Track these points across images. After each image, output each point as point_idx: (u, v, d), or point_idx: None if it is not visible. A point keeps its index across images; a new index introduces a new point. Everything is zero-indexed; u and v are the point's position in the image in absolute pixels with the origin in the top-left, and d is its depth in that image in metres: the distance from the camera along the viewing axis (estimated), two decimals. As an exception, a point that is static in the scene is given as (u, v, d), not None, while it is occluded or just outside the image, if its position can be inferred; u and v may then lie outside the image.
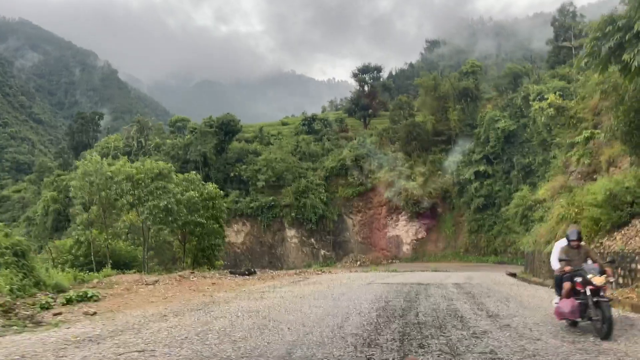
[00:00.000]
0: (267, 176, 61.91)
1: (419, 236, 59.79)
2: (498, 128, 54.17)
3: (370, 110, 78.35)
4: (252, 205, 60.35)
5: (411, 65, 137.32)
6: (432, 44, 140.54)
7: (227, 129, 66.74)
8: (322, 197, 60.60)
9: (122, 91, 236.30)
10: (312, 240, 60.83)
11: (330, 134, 75.16)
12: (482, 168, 55.25)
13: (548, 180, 34.75)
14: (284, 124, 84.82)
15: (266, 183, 61.90)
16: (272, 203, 60.55)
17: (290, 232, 60.78)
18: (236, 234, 61.22)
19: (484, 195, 54.32)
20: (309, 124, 76.78)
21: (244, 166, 63.86)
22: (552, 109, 33.29)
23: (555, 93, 37.54)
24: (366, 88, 78.80)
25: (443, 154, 60.44)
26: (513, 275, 29.86)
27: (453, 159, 59.00)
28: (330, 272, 34.35)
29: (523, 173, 52.80)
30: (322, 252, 60.94)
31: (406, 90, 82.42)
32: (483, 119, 56.76)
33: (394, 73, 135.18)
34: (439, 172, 59.44)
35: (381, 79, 78.01)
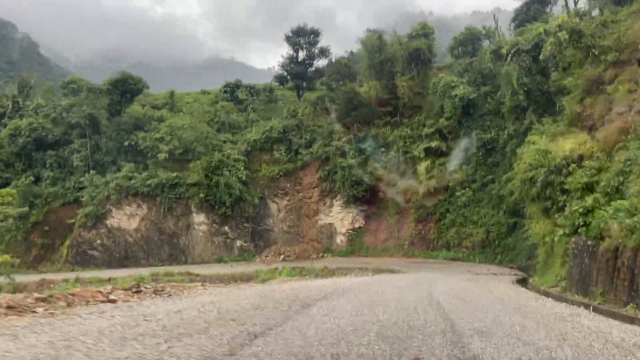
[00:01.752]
0: (171, 147, 49.48)
1: (356, 225, 49.47)
2: (455, 96, 44.63)
3: (305, 83, 67.35)
4: (149, 182, 47.74)
5: (352, 53, 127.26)
6: (374, 33, 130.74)
7: (123, 88, 53.50)
8: (240, 176, 48.96)
9: (43, 67, 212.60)
10: (226, 228, 49.10)
11: (257, 104, 63.43)
12: (434, 144, 45.60)
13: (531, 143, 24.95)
14: (204, 92, 72.07)
15: (170, 155, 49.45)
16: (176, 180, 48.23)
17: (198, 218, 48.73)
18: (128, 219, 48.42)
19: (435, 177, 44.63)
20: (232, 92, 64.67)
21: (142, 134, 50.93)
22: (563, 33, 23.24)
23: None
24: (301, 54, 67.60)
25: (388, 127, 50.30)
26: (522, 283, 20.05)
27: (400, 133, 48.99)
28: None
29: (484, 151, 43.53)
30: (238, 243, 49.35)
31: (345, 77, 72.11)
32: (437, 85, 47.07)
33: (333, 60, 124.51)
34: (383, 149, 49.27)
35: (319, 45, 66.86)
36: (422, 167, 45.22)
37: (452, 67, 50.50)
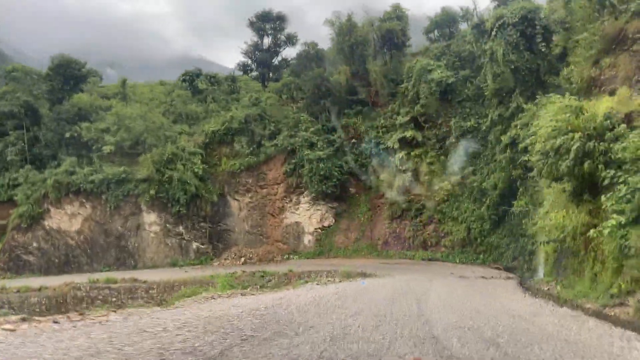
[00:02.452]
0: (118, 138, 44.32)
1: (326, 224, 45.21)
2: (432, 80, 40.72)
3: (270, 73, 62.78)
4: (93, 178, 42.54)
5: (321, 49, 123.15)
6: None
7: (66, 73, 48.05)
8: (196, 170, 44.15)
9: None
10: (181, 228, 44.23)
11: (218, 93, 58.44)
12: (409, 134, 41.64)
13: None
14: (162, 84, 66.59)
15: (117, 148, 44.31)
16: (124, 176, 43.12)
17: (149, 217, 43.73)
18: (69, 219, 43.10)
19: (410, 170, 40.69)
20: (191, 81, 59.48)
21: (86, 124, 45.58)
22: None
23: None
24: (266, 41, 62.99)
25: (359, 116, 46.16)
26: (529, 290, 15.94)
27: (372, 123, 44.93)
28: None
29: (464, 140, 39.68)
30: (195, 245, 44.52)
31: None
32: (412, 70, 43.10)
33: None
34: (354, 140, 45.12)
35: (285, 31, 62.35)
36: (395, 158, 41.20)
37: (427, 52, 46.63)
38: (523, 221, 31.26)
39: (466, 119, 40.01)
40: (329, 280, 22.97)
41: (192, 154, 45.20)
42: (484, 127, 37.25)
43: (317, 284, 19.07)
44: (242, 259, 42.34)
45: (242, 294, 16.53)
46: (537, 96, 27.60)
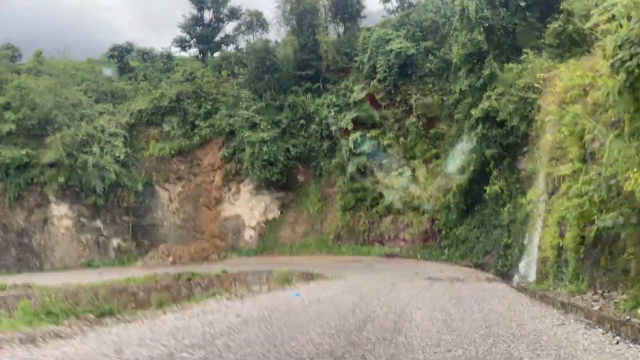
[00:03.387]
0: (20, 116, 37.11)
1: (270, 216, 39.58)
2: (390, 52, 35.69)
3: (210, 52, 56.22)
4: (-13, 162, 35.25)
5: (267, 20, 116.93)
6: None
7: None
8: (117, 155, 37.51)
9: None
10: (98, 223, 37.58)
11: (151, 71, 51.61)
12: (364, 113, 36.48)
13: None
14: (90, 62, 58.84)
15: (19, 128, 37.11)
16: (28, 160, 36.05)
17: (59, 210, 36.83)
18: (-42, 212, 35.64)
19: (366, 154, 35.53)
20: (120, 57, 52.33)
21: (-19, 99, 38.10)
22: None
23: None
24: (207, 14, 56.41)
25: (309, 94, 40.65)
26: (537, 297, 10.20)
27: (323, 101, 39.53)
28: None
29: (424, 120, 34.84)
30: (115, 242, 37.96)
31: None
32: (367, 40, 37.99)
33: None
34: (302, 121, 39.62)
35: (228, 4, 55.89)
36: (349, 141, 35.94)
37: (385, 24, 41.56)
38: (497, 210, 26.69)
39: (428, 96, 35.18)
40: (259, 289, 17.18)
41: (113, 136, 38.51)
42: (450, 102, 32.50)
43: (228, 299, 13.28)
44: (171, 258, 36.10)
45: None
46: (513, 62, 23.02)
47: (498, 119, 25.02)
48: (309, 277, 26.02)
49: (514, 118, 22.36)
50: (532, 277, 17.61)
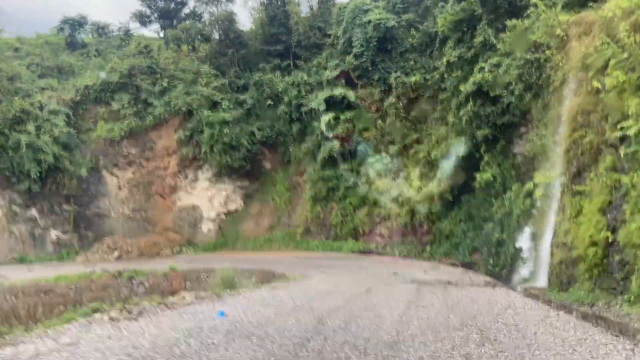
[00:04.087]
0: (-59, 88, 32.09)
1: (232, 207, 35.46)
2: (368, 23, 31.86)
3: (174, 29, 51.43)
4: None
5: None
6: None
7: None
8: (57, 135, 32.76)
9: None
10: (34, 212, 32.81)
11: (105, 46, 46.75)
12: (338, 92, 32.58)
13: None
14: (39, 37, 53.26)
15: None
16: (-52, 139, 31.09)
17: (-14, 197, 31.97)
18: None
19: (340, 138, 31.70)
20: (72, 31, 47.29)
21: None
22: None
23: None
24: (170, -13, 51.50)
25: (277, 72, 36.54)
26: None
27: (294, 80, 35.50)
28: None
29: (405, 101, 31.12)
30: (54, 234, 33.24)
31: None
32: (343, 12, 34.07)
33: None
34: (269, 101, 35.52)
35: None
36: (321, 124, 32.04)
37: None
38: (489, 201, 23.16)
39: (410, 74, 31.43)
40: (173, 303, 12.62)
41: (53, 114, 33.72)
42: (434, 81, 28.87)
43: (113, 320, 9.03)
44: (116, 253, 31.68)
45: None
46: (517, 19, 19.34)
47: (492, 94, 21.48)
48: (269, 277, 22.20)
49: (515, 89, 18.74)
50: (542, 281, 14.00)
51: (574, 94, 12.40)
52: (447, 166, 25.49)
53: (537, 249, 15.27)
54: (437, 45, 29.61)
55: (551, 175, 13.34)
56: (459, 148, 24.13)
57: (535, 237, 16.67)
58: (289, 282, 15.86)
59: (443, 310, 10.04)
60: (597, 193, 9.41)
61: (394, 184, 29.56)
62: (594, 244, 9.40)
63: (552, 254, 12.84)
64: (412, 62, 32.04)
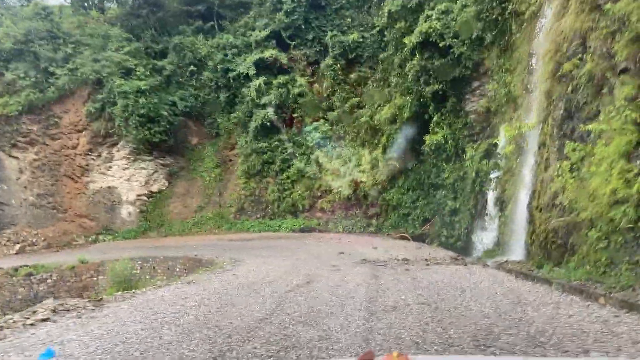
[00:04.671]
0: None
1: (154, 188, 31.60)
2: (299, -24, 28.59)
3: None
4: None
5: None
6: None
7: None
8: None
9: None
10: None
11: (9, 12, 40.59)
12: (269, 54, 29.25)
13: None
14: None
15: None
16: None
17: None
18: None
19: (274, 105, 28.53)
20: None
21: None
22: None
23: None
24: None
25: (200, 35, 32.65)
26: None
27: (219, 42, 31.78)
28: None
29: (343, 62, 28.29)
30: (-60, 228, 28.26)
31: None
32: (271, -36, 30.59)
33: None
34: (192, 67, 31.66)
35: None
36: (251, 90, 28.71)
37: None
38: (439, 166, 20.94)
39: (347, 32, 28.59)
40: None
41: None
42: (375, 37, 26.21)
43: None
44: (18, 246, 27.23)
45: None
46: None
47: (441, 45, 18.98)
48: (196, 264, 19.10)
49: (472, 31, 16.20)
50: (518, 253, 11.71)
51: (556, 17, 10.02)
52: (392, 130, 23.01)
53: (505, 215, 13.07)
54: (375, 0, 26.94)
55: (528, 125, 11.03)
56: (405, 108, 21.61)
57: (500, 202, 14.46)
58: (212, 271, 12.78)
59: (425, 313, 6.70)
60: (617, 132, 7.05)
61: (335, 153, 26.87)
62: (618, 202, 6.99)
63: (531, 220, 10.60)
64: (349, 20, 29.20)
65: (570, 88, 9.21)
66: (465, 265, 11.70)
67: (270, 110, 27.95)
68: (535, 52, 11.55)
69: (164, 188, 31.59)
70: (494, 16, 14.78)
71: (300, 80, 28.82)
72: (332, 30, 28.71)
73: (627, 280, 6.52)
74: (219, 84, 30.97)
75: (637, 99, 6.94)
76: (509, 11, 13.93)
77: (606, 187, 7.13)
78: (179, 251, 22.52)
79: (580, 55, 8.90)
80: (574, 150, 8.42)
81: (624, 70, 7.47)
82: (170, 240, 27.74)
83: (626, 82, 7.20)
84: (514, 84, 13.46)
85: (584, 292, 6.98)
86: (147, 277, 21.70)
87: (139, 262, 21.28)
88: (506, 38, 14.30)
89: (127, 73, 30.26)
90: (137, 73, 30.10)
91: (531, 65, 11.79)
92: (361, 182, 24.85)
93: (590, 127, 7.80)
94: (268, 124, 28.17)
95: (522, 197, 11.59)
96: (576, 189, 8.26)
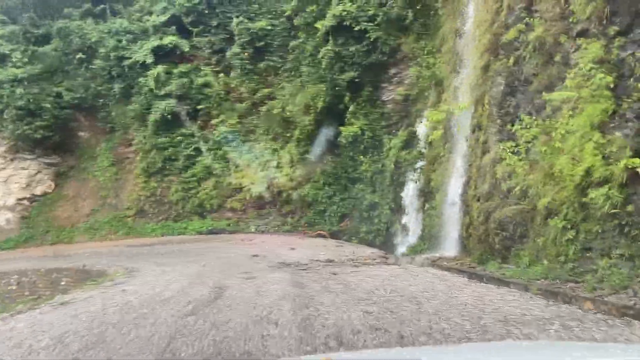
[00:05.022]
0: None
1: (38, 191, 27.82)
2: (201, -44, 26.32)
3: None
4: None
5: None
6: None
7: None
8: None
9: None
10: None
11: None
12: (168, 41, 26.69)
13: None
14: None
15: None
16: None
17: None
18: None
19: (176, 96, 26.05)
20: None
21: None
22: None
23: None
24: None
25: (90, 20, 29.22)
26: None
27: (110, 27, 28.59)
28: None
29: (252, 51, 26.49)
30: None
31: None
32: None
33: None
34: (81, 55, 28.21)
35: None
36: (149, 79, 26.01)
37: None
38: (356, 158, 19.84)
39: (255, 19, 26.76)
40: None
41: None
42: (284, 25, 24.68)
43: None
44: None
45: None
46: None
47: (357, 29, 17.84)
48: (84, 276, 16.44)
49: (391, 12, 15.14)
50: (450, 249, 10.68)
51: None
52: (306, 122, 21.59)
53: (433, 207, 12.07)
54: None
55: (459, 106, 10.01)
56: (319, 98, 20.28)
57: (424, 194, 13.49)
58: (98, 286, 10.56)
59: (389, 345, 4.70)
60: (586, 101, 6.02)
61: (245, 148, 24.98)
62: (594, 183, 5.91)
63: (467, 211, 9.59)
64: (256, 6, 27.33)
65: (512, 60, 8.26)
66: (399, 265, 10.48)
67: (171, 102, 25.45)
68: (465, 28, 10.64)
69: (50, 191, 27.88)
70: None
71: (205, 70, 26.57)
72: (238, 17, 26.69)
73: (619, 280, 5.50)
74: (113, 73, 27.79)
75: (606, 61, 6.02)
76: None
77: (575, 168, 6.12)
78: (67, 261, 19.62)
79: (525, 20, 7.95)
80: (525, 128, 7.40)
81: (583, 33, 6.54)
82: (58, 249, 24.39)
83: (587, 45, 6.25)
84: (439, 65, 12.56)
85: (559, 294, 5.89)
86: (27, 293, 18.64)
87: (15, 277, 18.13)
88: (430, 16, 13.39)
89: (2, 59, 26.34)
90: (13, 60, 26.30)
91: (459, 43, 10.87)
92: (274, 178, 23.19)
93: (553, 95, 6.78)
94: (169, 116, 25.63)
95: (453, 187, 10.61)
96: (528, 173, 7.26)
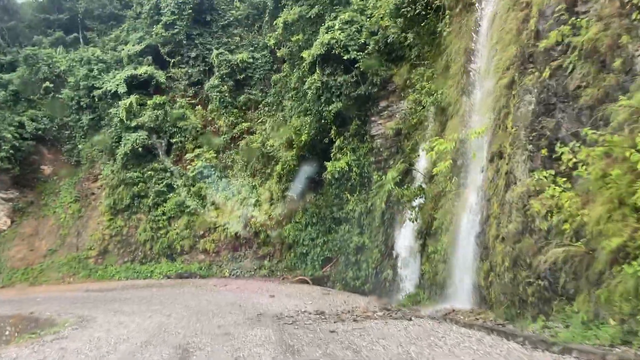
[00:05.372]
0: None
1: (-9, 228, 25.39)
2: (181, -15, 25.33)
3: None
4: None
5: None
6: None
7: None
8: None
9: None
10: None
11: None
12: (143, 71, 25.25)
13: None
14: None
15: None
16: None
17: None
18: None
19: (148, 128, 24.37)
20: None
21: None
22: None
23: None
24: None
25: (60, 47, 27.71)
26: None
27: (83, 56, 27.09)
28: None
29: (231, 83, 25.21)
30: None
31: None
32: (148, -27, 27.03)
33: None
34: (48, 83, 26.51)
35: None
36: (121, 110, 24.32)
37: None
38: (342, 196, 18.30)
39: (235, 52, 25.63)
40: None
41: None
42: (266, 58, 23.56)
43: None
44: None
45: None
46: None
47: (346, 58, 16.67)
48: (31, 324, 14.32)
49: (388, 33, 13.96)
50: (463, 300, 9.03)
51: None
52: (288, 157, 20.07)
53: (437, 251, 10.52)
54: (267, 19, 24.50)
55: (475, 131, 8.60)
56: (303, 130, 18.89)
57: (423, 235, 11.93)
58: (37, 339, 8.60)
59: None
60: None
61: (221, 184, 23.24)
62: None
63: (486, 255, 8.03)
64: (237, 39, 26.33)
65: (547, 73, 6.97)
66: (410, 319, 8.70)
67: (143, 134, 23.73)
68: (478, 45, 9.45)
69: (5, 228, 25.48)
70: (416, 11, 12.71)
71: (181, 102, 25.08)
72: (218, 49, 25.53)
73: None
74: (82, 103, 26.14)
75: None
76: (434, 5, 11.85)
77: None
78: (14, 307, 17.39)
79: (571, 21, 6.69)
80: (572, 152, 5.94)
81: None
82: (8, 292, 21.91)
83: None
84: (444, 90, 11.30)
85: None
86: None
87: (-49, 326, 15.73)
88: (432, 39, 12.22)
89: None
90: (-27, 85, 24.41)
91: (471, 62, 9.67)
92: (252, 217, 21.39)
93: (623, 102, 5.39)
94: (140, 149, 23.86)
95: (465, 226, 9.13)
96: (580, 207, 5.82)
